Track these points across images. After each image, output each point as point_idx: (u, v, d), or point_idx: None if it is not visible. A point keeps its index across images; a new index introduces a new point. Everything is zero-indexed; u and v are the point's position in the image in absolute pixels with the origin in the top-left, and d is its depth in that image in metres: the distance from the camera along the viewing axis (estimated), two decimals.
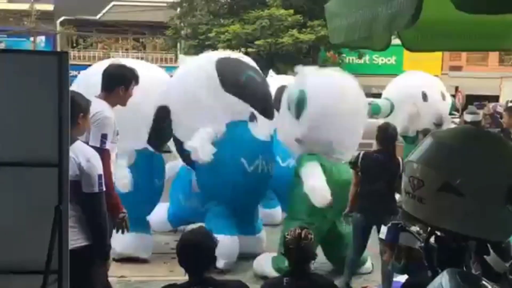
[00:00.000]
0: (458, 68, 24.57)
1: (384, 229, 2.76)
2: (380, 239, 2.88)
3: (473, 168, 1.59)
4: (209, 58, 5.44)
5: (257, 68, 5.61)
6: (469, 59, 25.24)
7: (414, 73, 8.65)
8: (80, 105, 2.97)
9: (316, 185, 4.59)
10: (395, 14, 1.57)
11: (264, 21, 17.78)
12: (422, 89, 7.78)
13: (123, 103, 3.75)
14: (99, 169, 2.94)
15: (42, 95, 2.37)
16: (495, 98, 15.98)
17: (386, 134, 4.73)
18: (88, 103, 3.09)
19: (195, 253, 2.39)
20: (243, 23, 18.21)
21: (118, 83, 3.67)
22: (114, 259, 4.23)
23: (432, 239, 1.71)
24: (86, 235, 2.94)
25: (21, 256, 2.43)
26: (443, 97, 7.86)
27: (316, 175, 4.68)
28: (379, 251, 2.90)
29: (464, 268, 1.64)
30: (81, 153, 2.87)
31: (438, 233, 1.69)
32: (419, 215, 1.62)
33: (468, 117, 7.12)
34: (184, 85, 5.24)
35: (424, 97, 7.67)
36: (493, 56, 24.59)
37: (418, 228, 2.28)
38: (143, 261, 5.40)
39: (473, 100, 17.26)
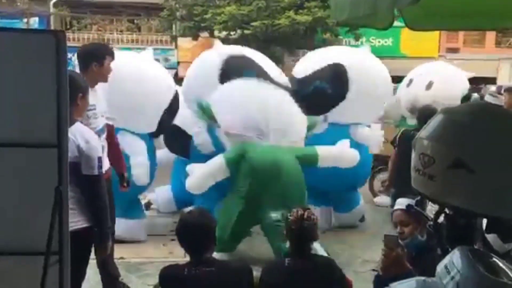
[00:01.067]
0: (455, 50, 24.45)
1: (404, 200, 2.78)
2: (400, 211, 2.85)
3: (485, 144, 1.57)
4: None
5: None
6: (466, 41, 25.10)
7: (433, 62, 8.76)
8: (79, 85, 2.93)
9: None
10: None
11: (261, 2, 17.61)
12: (411, 76, 7.91)
13: (104, 79, 3.76)
14: (99, 151, 2.93)
15: (40, 75, 2.32)
16: (493, 80, 15.94)
17: (424, 114, 4.97)
18: (86, 82, 3.06)
19: (194, 234, 2.39)
20: (239, 4, 18.02)
21: (90, 60, 3.68)
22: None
23: (441, 217, 1.71)
24: (86, 217, 2.93)
25: (21, 237, 2.42)
26: (429, 87, 7.75)
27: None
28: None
29: (474, 246, 1.64)
30: (80, 134, 2.85)
31: (447, 211, 1.68)
32: (428, 192, 1.61)
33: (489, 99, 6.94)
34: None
35: (409, 84, 7.78)
36: (490, 38, 24.46)
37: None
38: (142, 242, 5.43)
39: (470, 82, 17.20)
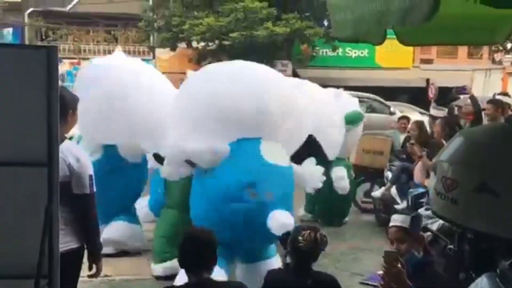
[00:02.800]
0: (429, 61, 24.95)
1: (399, 217, 2.73)
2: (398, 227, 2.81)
3: (510, 167, 1.53)
4: None
5: None
6: (438, 52, 25.63)
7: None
8: (69, 101, 2.85)
9: None
10: (410, 8, 1.53)
11: (239, 13, 17.66)
12: None
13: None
14: (90, 169, 2.85)
15: (30, 91, 2.26)
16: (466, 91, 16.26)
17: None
18: (76, 98, 2.98)
19: (196, 252, 2.33)
20: (217, 16, 18.04)
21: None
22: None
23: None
24: (76, 237, 2.84)
25: (9, 259, 2.33)
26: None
27: None
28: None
29: (498, 271, 1.62)
30: (70, 153, 2.77)
31: (469, 235, 1.66)
32: (451, 216, 1.58)
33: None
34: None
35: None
36: (463, 49, 25.03)
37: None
38: (128, 258, 5.32)
39: (445, 92, 17.53)
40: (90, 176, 2.83)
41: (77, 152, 2.85)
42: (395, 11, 1.61)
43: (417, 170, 5.91)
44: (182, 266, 2.39)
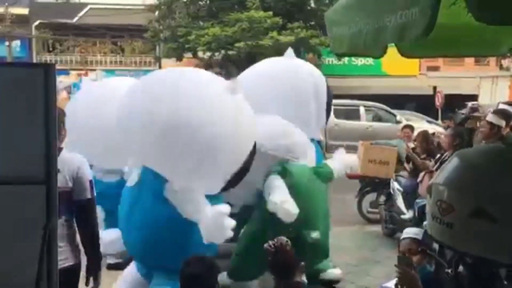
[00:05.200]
0: (435, 69, 24.84)
1: (412, 229, 2.77)
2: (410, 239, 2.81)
3: (506, 191, 1.50)
4: None
5: None
6: (445, 59, 25.55)
7: None
8: (60, 115, 2.86)
9: None
10: (407, 24, 1.51)
11: (244, 23, 17.73)
12: None
13: None
14: (89, 175, 2.92)
15: (28, 109, 2.24)
16: (474, 98, 16.17)
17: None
18: (63, 111, 3.03)
19: (196, 283, 2.28)
20: (222, 26, 18.12)
21: None
22: None
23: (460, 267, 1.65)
24: (74, 254, 2.84)
25: (7, 278, 2.30)
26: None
27: None
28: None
29: None
30: (70, 163, 2.83)
31: (468, 260, 1.62)
32: (447, 240, 1.55)
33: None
34: None
35: None
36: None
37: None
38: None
39: (452, 100, 17.46)
40: (90, 181, 2.89)
41: (77, 161, 2.90)
42: (391, 28, 1.59)
43: (425, 183, 5.84)
44: None
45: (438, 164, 5.52)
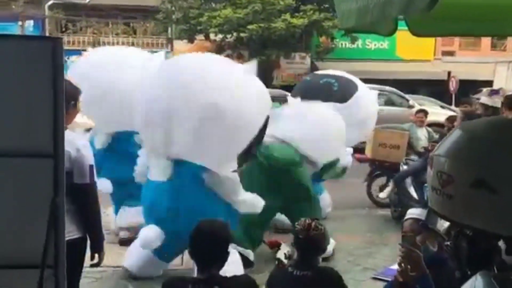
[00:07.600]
0: (450, 53, 24.51)
1: (416, 210, 2.78)
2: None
3: (507, 163, 1.47)
4: None
5: None
6: (461, 44, 25.17)
7: None
8: (72, 93, 2.86)
9: None
10: None
11: (257, 5, 17.59)
12: None
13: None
14: (90, 160, 2.87)
15: (36, 82, 2.25)
16: (489, 83, 15.92)
17: None
18: (78, 90, 3.00)
19: (208, 247, 2.29)
20: (235, 8, 17.99)
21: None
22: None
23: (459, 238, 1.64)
24: (78, 227, 2.86)
25: (16, 250, 2.34)
26: None
27: None
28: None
29: (495, 269, 1.57)
30: (71, 143, 2.77)
31: (468, 232, 1.61)
32: (447, 212, 1.53)
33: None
34: None
35: None
36: (485, 41, 24.52)
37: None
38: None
39: (466, 85, 17.22)
40: (91, 166, 2.84)
41: (78, 142, 2.86)
42: (397, 0, 1.57)
43: None
44: (192, 258, 2.37)
45: None
